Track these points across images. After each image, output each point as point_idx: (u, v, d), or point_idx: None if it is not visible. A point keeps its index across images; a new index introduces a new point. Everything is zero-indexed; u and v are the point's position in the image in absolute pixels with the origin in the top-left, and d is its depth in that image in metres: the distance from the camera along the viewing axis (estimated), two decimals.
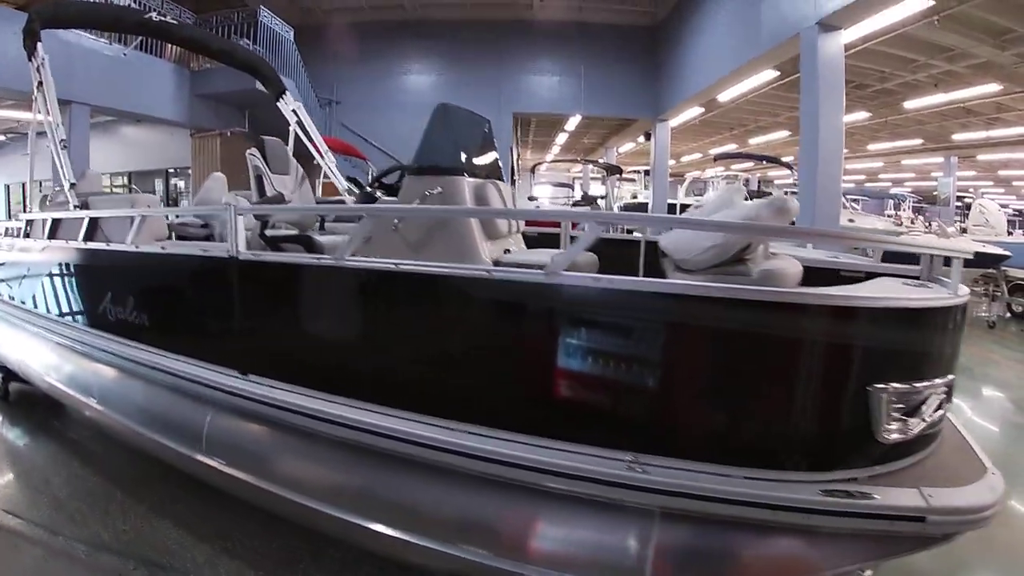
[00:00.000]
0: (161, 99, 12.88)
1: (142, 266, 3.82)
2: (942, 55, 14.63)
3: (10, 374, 5.41)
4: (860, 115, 20.55)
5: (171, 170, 19.59)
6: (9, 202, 24.90)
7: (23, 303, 4.99)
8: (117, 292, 3.95)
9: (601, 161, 20.06)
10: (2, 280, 5.38)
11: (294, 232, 4.13)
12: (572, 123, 22.70)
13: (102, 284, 4.11)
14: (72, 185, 4.60)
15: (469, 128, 3.67)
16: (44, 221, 4.82)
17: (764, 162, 20.48)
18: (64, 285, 4.54)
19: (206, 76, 13.70)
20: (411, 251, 2.95)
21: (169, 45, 12.79)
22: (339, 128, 17.54)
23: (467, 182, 3.20)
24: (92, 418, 4.12)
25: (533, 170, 32.67)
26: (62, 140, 4.80)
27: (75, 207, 4.50)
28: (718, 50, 14.77)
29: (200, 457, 3.22)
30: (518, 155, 23.36)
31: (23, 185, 23.70)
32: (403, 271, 2.65)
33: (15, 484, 4.07)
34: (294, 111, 6.55)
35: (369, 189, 4.52)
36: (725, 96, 17.22)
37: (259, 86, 12.51)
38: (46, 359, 4.50)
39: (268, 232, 3.89)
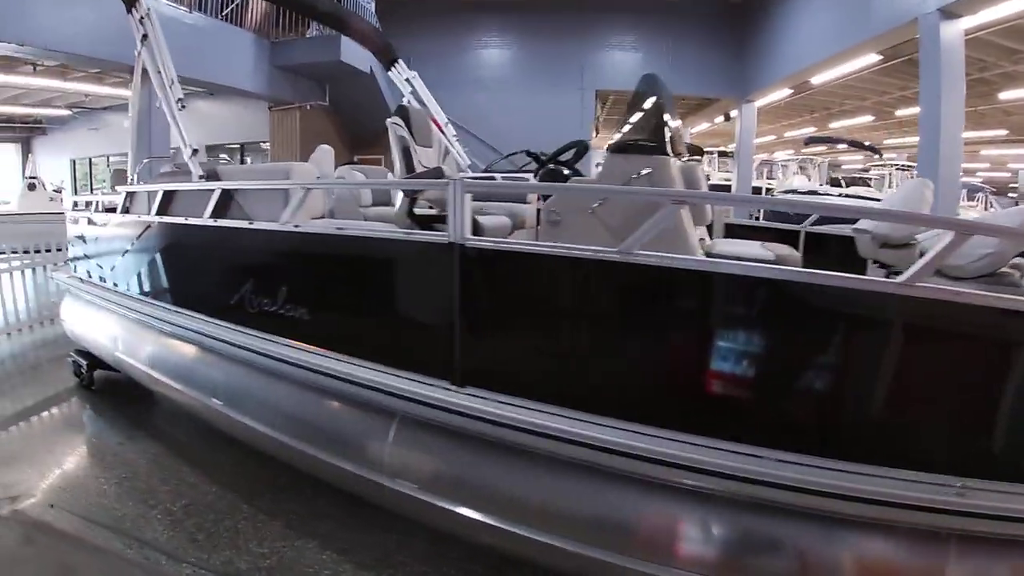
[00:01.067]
0: (241, 70, 12.36)
1: (309, 250, 3.20)
2: None
3: (95, 361, 5.15)
4: None
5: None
6: (75, 178, 25.00)
7: (117, 285, 4.63)
8: (264, 280, 3.35)
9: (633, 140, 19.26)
10: (92, 259, 5.11)
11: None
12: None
13: (241, 270, 3.52)
14: (195, 152, 4.15)
15: (669, 103, 3.21)
16: (151, 195, 4.34)
17: (856, 147, 19.49)
18: (182, 269, 4.05)
19: (286, 47, 13.29)
20: (611, 237, 2.52)
21: (248, 14, 12.46)
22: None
23: (675, 163, 2.83)
24: (208, 419, 3.76)
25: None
26: (179, 100, 4.28)
27: (201, 178, 4.05)
28: (818, 32, 14.26)
29: (374, 476, 2.75)
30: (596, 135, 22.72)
31: (89, 160, 24.00)
32: (716, 271, 2.15)
33: (117, 494, 3.53)
34: (408, 80, 6.17)
35: (552, 166, 4.03)
36: (819, 79, 16.57)
37: (342, 60, 12.51)
38: (153, 349, 4.10)
39: (416, 210, 3.55)
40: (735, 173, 19.52)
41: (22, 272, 7.11)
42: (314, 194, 3.69)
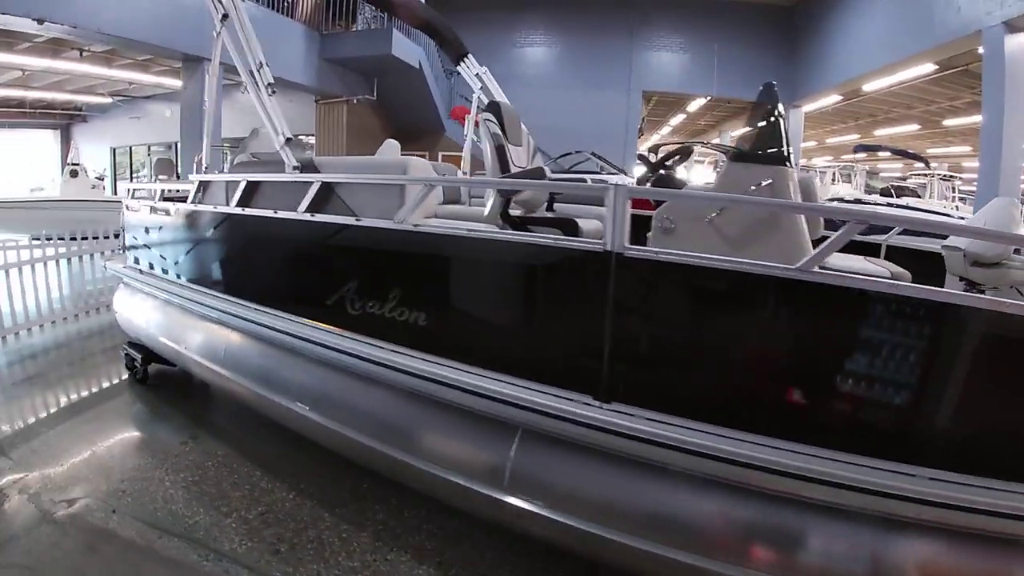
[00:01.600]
0: (291, 62, 12.07)
1: (431, 252, 2.96)
2: None
3: (151, 354, 5.00)
4: None
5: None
6: (115, 166, 24.92)
7: (185, 278, 4.41)
8: (372, 281, 3.15)
9: (729, 145, 19.01)
10: (154, 249, 4.87)
11: (549, 214, 3.52)
12: (695, 104, 21.60)
13: (343, 269, 3.30)
14: (288, 141, 3.82)
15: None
16: (230, 185, 4.06)
17: (905, 157, 19.10)
18: (266, 265, 3.83)
19: (336, 40, 13.10)
20: (728, 247, 2.44)
21: (299, 5, 12.27)
22: (459, 100, 16.90)
23: (792, 174, 2.72)
24: (286, 421, 3.57)
25: (656, 152, 31.78)
26: (269, 84, 3.97)
27: (295, 169, 3.73)
28: (874, 39, 14.20)
29: (490, 491, 2.61)
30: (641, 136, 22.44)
31: (129, 149, 24.02)
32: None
33: (186, 500, 3.32)
34: (478, 76, 5.81)
35: (663, 171, 3.78)
36: (871, 86, 16.39)
37: (392, 54, 12.30)
38: (226, 347, 3.91)
39: (513, 212, 3.38)
40: None
41: (68, 260, 7.05)
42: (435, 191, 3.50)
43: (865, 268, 3.04)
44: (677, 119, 26.71)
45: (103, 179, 16.21)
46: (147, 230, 4.89)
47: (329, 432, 3.20)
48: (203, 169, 4.49)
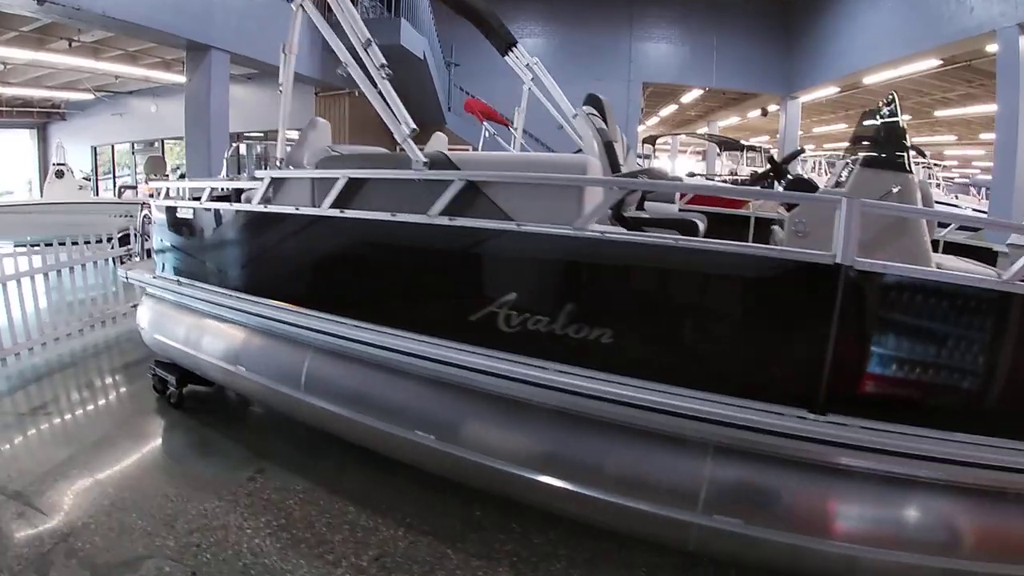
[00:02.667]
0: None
1: (620, 261, 2.64)
2: None
3: (186, 375, 4.57)
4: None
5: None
6: (96, 165, 23.59)
7: (241, 289, 3.94)
8: (538, 294, 2.79)
9: (722, 135, 18.88)
10: (195, 257, 4.45)
11: (669, 215, 3.36)
12: (690, 95, 21.37)
13: (498, 281, 2.89)
14: (413, 132, 3.37)
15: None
16: (319, 183, 3.61)
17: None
18: (378, 276, 3.36)
19: (340, 29, 12.30)
20: (858, 248, 2.38)
21: None
22: (457, 92, 16.39)
23: (915, 180, 2.82)
24: (391, 449, 3.31)
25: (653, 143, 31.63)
26: (383, 66, 3.52)
27: (424, 165, 3.17)
28: (879, 35, 14.26)
29: (679, 513, 2.48)
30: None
31: (112, 147, 22.97)
32: None
33: (279, 550, 2.89)
34: (528, 67, 5.44)
35: (791, 177, 3.73)
36: (872, 79, 16.31)
37: (401, 44, 11.70)
38: (315, 369, 3.50)
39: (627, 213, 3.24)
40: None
41: (71, 269, 6.37)
42: (596, 194, 2.96)
43: (969, 269, 3.07)
44: (668, 110, 26.52)
45: (90, 179, 15.32)
46: (187, 235, 4.42)
47: (464, 462, 2.91)
48: (279, 165, 3.95)
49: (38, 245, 6.42)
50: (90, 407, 4.71)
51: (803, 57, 17.80)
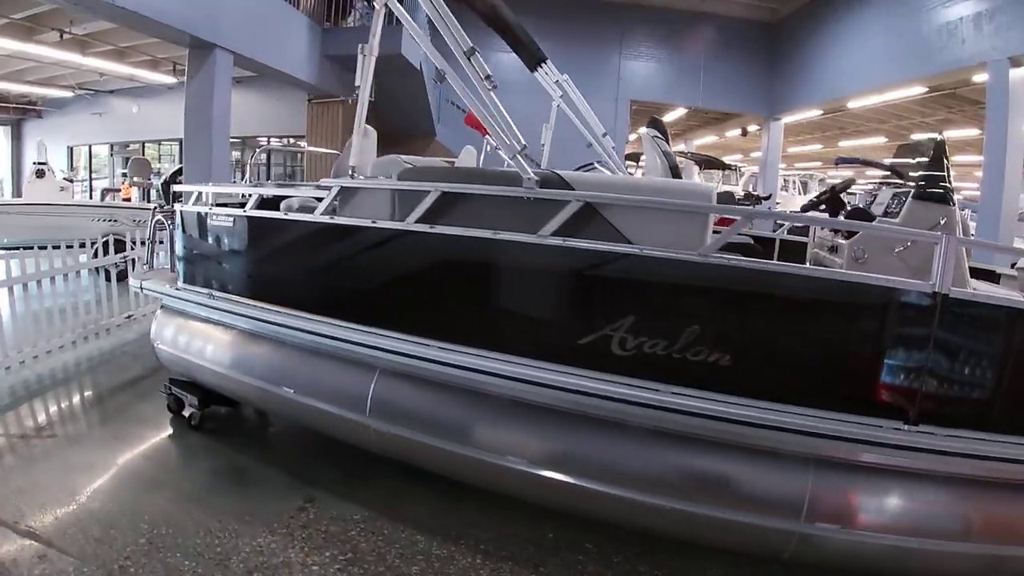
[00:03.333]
0: (294, 56, 11.03)
1: (738, 287, 2.70)
2: None
3: (211, 396, 4.36)
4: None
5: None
6: (72, 167, 22.26)
7: (294, 304, 3.70)
8: (660, 319, 2.79)
9: (705, 154, 18.88)
10: (237, 268, 4.16)
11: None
12: (674, 114, 21.46)
13: (619, 304, 2.84)
14: (523, 148, 3.28)
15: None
16: (402, 197, 3.43)
17: (885, 170, 19.27)
18: (471, 296, 3.22)
19: (340, 35, 12.07)
20: (909, 275, 2.80)
21: None
22: (446, 105, 16.15)
23: (957, 212, 3.21)
24: (467, 474, 3.30)
25: (636, 160, 31.88)
26: (487, 77, 3.46)
27: (534, 183, 3.05)
28: (864, 62, 14.57)
29: (784, 524, 2.68)
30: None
31: (89, 148, 22.11)
32: None
33: None
34: (558, 83, 5.30)
35: (850, 208, 4.03)
36: (856, 104, 16.57)
37: (401, 53, 11.45)
38: (371, 391, 3.38)
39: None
40: (761, 189, 18.92)
41: (47, 281, 5.87)
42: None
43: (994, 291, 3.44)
44: (644, 129, 26.46)
45: (72, 180, 14.67)
46: (225, 244, 4.14)
47: (568, 487, 2.92)
48: (351, 174, 3.72)
49: (17, 248, 6.04)
50: (98, 429, 4.38)
51: (788, 80, 18.01)
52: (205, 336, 4.17)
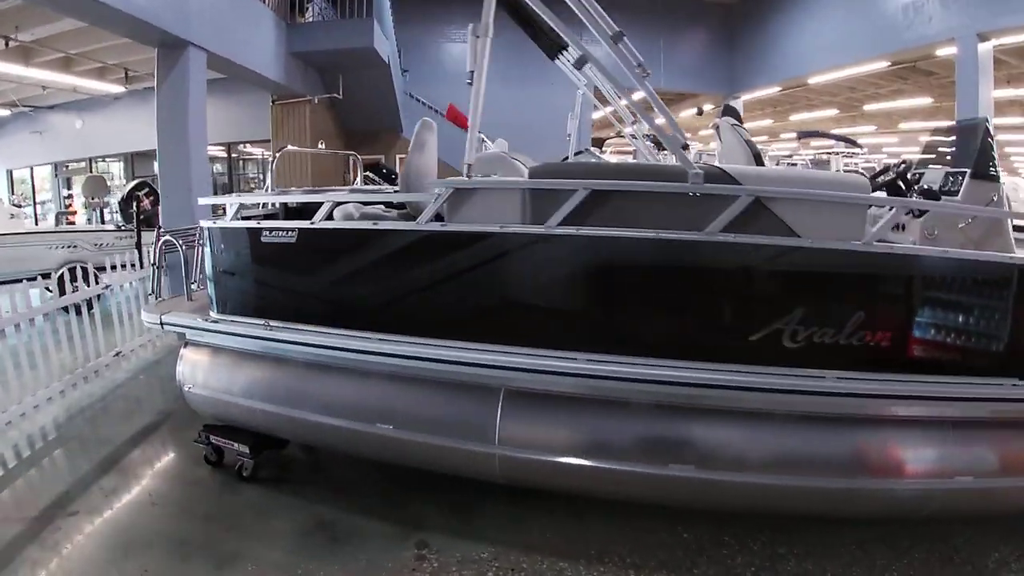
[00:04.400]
0: (264, 54, 10.25)
1: (902, 273, 2.91)
2: None
3: (266, 441, 3.92)
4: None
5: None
6: (12, 191, 20.26)
7: (369, 325, 3.40)
8: (830, 308, 2.88)
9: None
10: (304, 291, 3.67)
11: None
12: (633, 96, 21.19)
13: (789, 297, 2.89)
14: (685, 146, 3.33)
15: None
16: (533, 197, 3.17)
17: (843, 142, 19.75)
18: (593, 297, 3.13)
19: (308, 31, 11.49)
20: (972, 247, 3.08)
21: None
22: (408, 100, 15.70)
23: (1003, 188, 3.39)
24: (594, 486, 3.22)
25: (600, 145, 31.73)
26: (640, 65, 3.69)
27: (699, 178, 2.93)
28: (829, 41, 14.90)
29: (939, 485, 2.94)
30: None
31: (31, 170, 20.39)
32: None
33: None
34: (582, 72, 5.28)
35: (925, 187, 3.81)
36: (818, 80, 16.80)
37: (374, 47, 10.89)
38: (499, 413, 3.17)
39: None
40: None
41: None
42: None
43: None
44: (598, 114, 26.37)
45: (21, 206, 13.42)
46: (284, 264, 3.70)
47: (745, 487, 2.96)
48: (466, 173, 3.29)
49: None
50: (126, 494, 3.76)
51: (749, 59, 18.23)
52: (258, 373, 3.76)
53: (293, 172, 12.01)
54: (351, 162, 14.85)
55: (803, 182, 3.14)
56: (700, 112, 23.16)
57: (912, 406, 2.91)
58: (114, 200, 11.17)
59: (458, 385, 3.26)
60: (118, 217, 10.38)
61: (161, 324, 4.08)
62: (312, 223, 3.50)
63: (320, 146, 9.07)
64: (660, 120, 3.33)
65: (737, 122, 4.27)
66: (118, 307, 6.21)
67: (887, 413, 2.96)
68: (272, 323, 3.63)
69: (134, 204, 9.02)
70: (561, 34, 3.91)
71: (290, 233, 3.56)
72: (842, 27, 14.33)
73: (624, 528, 3.27)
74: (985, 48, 11.21)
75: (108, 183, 13.72)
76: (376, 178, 12.64)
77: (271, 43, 10.43)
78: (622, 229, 2.94)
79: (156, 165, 7.91)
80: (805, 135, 18.40)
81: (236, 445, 3.87)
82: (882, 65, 14.84)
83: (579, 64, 3.62)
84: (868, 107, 21.97)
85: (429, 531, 3.29)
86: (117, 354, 6.08)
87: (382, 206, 3.90)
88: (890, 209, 2.96)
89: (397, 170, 8.40)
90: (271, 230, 3.62)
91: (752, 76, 18.07)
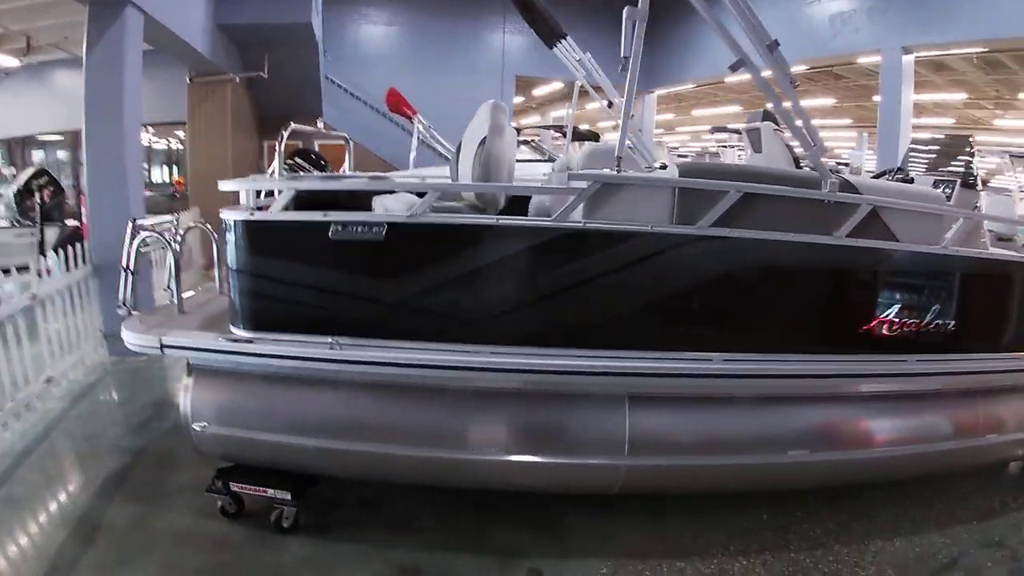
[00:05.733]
0: (194, 24, 9.08)
1: (954, 268, 3.60)
2: None
3: (307, 481, 3.34)
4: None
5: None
6: None
7: (486, 337, 3.11)
8: (905, 300, 3.49)
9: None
10: (394, 301, 3.19)
11: None
12: (547, 88, 22.02)
13: (870, 291, 3.46)
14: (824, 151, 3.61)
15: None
16: (686, 196, 3.12)
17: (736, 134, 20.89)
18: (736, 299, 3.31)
19: (237, 3, 10.18)
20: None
21: None
22: (327, 84, 14.66)
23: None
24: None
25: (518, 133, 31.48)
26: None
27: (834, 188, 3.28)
28: (750, 44, 15.19)
29: None
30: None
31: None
32: None
33: None
34: (580, 63, 5.23)
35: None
36: (733, 79, 17.17)
37: (311, 22, 9.94)
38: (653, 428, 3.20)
39: None
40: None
41: None
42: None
43: None
44: (593, 105, 26.24)
45: None
46: (360, 267, 3.17)
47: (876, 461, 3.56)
48: (617, 168, 3.15)
49: None
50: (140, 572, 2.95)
51: (668, 56, 18.43)
52: (307, 401, 3.20)
53: (211, 161, 10.75)
54: (265, 148, 13.80)
55: (902, 194, 3.61)
56: (611, 105, 23.48)
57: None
58: (9, 191, 9.54)
59: (579, 395, 3.17)
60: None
61: (161, 348, 3.23)
62: (410, 215, 3.01)
63: (319, 125, 8.17)
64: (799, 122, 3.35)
65: (777, 127, 4.58)
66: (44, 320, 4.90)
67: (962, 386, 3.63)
68: (341, 342, 3.05)
69: (36, 197, 7.86)
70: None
71: (375, 229, 3.02)
72: (775, 30, 14.73)
73: (708, 520, 3.46)
74: (908, 59, 12.13)
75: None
76: (306, 165, 11.82)
77: (201, 12, 9.32)
78: (770, 232, 3.11)
79: (84, 149, 6.65)
80: (719, 130, 19.07)
81: (272, 491, 3.22)
82: (801, 69, 15.44)
83: (736, 67, 3.56)
84: (771, 105, 22.83)
85: (532, 557, 3.11)
86: (48, 380, 4.88)
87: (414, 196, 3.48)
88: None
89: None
90: (346, 224, 3.03)
91: (671, 72, 18.41)
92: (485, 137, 3.53)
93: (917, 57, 12.47)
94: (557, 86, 21.29)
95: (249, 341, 3.15)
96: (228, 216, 3.27)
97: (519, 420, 3.18)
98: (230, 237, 3.27)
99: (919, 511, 3.66)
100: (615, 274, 3.06)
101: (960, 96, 18.86)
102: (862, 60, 13.77)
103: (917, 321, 3.37)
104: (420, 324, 3.13)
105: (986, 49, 13.07)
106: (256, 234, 3.20)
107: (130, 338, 3.35)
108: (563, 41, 4.96)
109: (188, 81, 11.21)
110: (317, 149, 12.02)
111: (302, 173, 11.45)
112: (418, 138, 10.59)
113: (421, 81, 15.81)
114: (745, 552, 3.19)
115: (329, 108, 14.52)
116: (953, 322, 3.43)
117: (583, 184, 3.02)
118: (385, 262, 3.11)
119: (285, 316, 3.20)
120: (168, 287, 3.94)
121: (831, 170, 3.56)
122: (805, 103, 20.26)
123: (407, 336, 3.10)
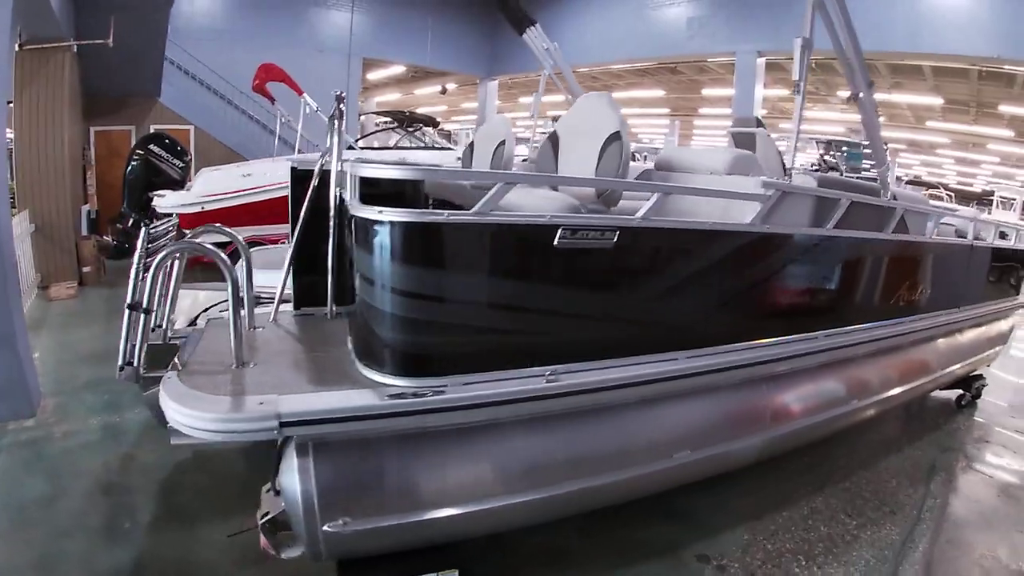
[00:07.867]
0: None
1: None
2: None
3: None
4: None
5: None
6: None
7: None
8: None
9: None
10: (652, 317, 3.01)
11: None
12: (384, 72, 21.70)
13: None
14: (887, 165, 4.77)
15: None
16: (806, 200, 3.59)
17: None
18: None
19: None
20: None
21: None
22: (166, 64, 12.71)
23: None
24: None
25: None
26: (872, 83, 4.39)
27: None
28: (604, 40, 15.99)
29: None
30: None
31: None
32: None
33: None
34: (548, 51, 5.64)
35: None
36: (585, 71, 17.93)
37: None
38: None
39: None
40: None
41: None
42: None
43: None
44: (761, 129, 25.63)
45: None
46: (594, 279, 2.72)
47: None
48: (788, 174, 4.21)
49: None
50: None
51: (511, 44, 18.46)
52: (511, 450, 2.65)
53: (44, 152, 8.63)
54: (92, 135, 11.70)
55: (906, 198, 4.79)
56: (444, 91, 23.09)
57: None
58: None
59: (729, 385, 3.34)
60: None
61: (280, 427, 2.17)
62: (640, 218, 2.69)
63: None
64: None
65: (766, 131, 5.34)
66: None
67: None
68: (559, 369, 2.62)
69: None
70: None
71: (606, 234, 2.59)
72: (621, 30, 15.72)
73: (792, 487, 4.02)
74: (761, 61, 13.61)
75: None
76: (163, 153, 10.17)
77: None
78: (864, 232, 3.83)
79: None
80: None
81: None
82: (647, 63, 16.72)
83: (853, 98, 4.25)
84: (624, 94, 23.71)
85: (689, 545, 3.30)
86: None
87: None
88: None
89: None
90: (576, 229, 2.51)
91: (513, 61, 18.65)
92: (617, 131, 3.33)
93: (769, 60, 13.83)
94: (397, 70, 20.63)
95: (441, 389, 2.41)
96: (382, 216, 2.34)
97: (721, 413, 3.32)
98: (383, 245, 2.39)
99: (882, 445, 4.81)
100: (791, 267, 3.50)
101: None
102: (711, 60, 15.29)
103: (919, 290, 4.44)
104: (633, 338, 2.88)
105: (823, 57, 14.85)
106: (452, 242, 2.39)
107: (193, 417, 2.18)
108: (532, 29, 5.30)
109: (18, 47, 8.40)
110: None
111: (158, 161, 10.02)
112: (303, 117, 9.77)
113: (262, 58, 14.48)
114: (850, 514, 3.76)
115: (170, 89, 12.73)
116: (948, 289, 4.77)
117: (768, 192, 3.18)
118: (614, 272, 2.75)
119: (477, 351, 2.53)
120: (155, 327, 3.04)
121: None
122: (636, 94, 21.00)
123: (620, 353, 2.81)
